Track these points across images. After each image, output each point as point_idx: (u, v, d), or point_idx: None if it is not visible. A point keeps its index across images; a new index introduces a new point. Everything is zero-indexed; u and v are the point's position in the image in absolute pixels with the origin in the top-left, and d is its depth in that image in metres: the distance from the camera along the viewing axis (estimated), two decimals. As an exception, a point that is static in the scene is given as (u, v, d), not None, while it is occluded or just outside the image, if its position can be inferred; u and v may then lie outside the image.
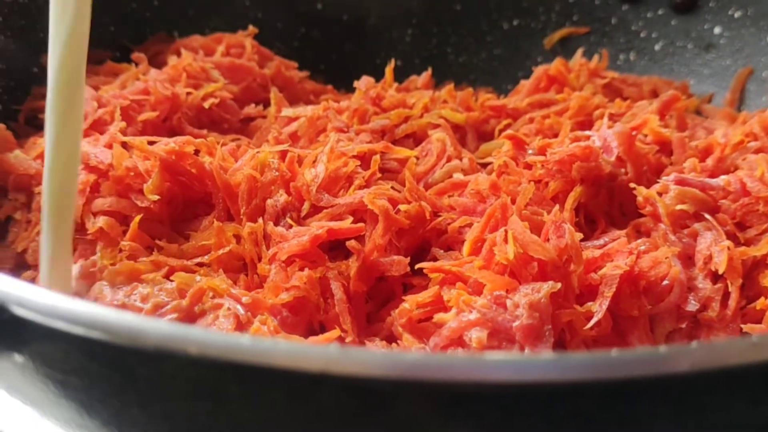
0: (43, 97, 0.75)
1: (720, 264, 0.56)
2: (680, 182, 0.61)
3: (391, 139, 0.69)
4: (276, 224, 0.59)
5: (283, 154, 0.63)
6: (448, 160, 0.66)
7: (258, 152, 0.63)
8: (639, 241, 0.59)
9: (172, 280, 0.55)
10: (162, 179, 0.60)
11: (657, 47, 0.90)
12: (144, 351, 0.37)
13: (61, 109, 0.48)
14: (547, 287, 0.51)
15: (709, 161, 0.64)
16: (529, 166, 0.64)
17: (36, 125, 0.74)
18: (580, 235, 0.55)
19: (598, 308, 0.53)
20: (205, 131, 0.71)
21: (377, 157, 0.63)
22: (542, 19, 0.94)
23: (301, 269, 0.56)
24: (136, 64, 0.78)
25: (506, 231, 0.54)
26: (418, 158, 0.67)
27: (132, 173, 0.60)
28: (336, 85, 0.87)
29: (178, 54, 0.79)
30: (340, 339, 0.54)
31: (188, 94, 0.72)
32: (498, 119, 0.74)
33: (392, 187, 0.62)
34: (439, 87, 0.85)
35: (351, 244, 0.57)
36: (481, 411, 0.37)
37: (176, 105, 0.71)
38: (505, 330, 0.51)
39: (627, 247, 0.57)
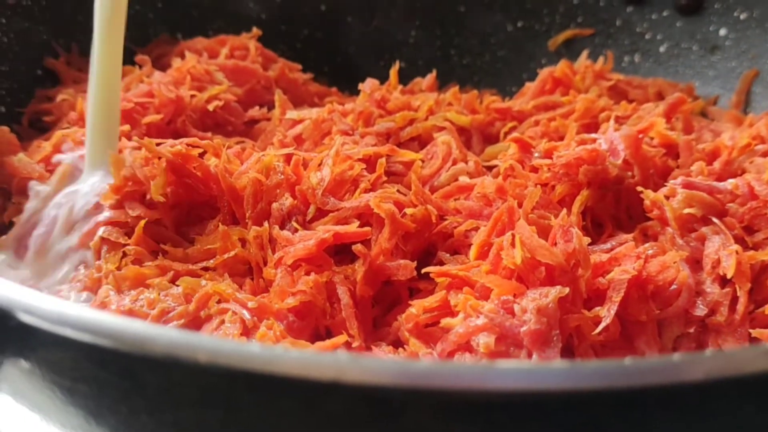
0: (48, 99, 0.75)
1: (728, 268, 0.56)
2: (688, 186, 0.61)
3: (396, 142, 0.68)
4: (281, 228, 0.59)
5: (288, 157, 0.63)
6: (454, 163, 0.66)
7: (263, 155, 0.63)
8: (647, 245, 0.59)
9: (177, 285, 0.55)
10: (168, 180, 0.59)
11: (662, 49, 0.90)
12: (153, 358, 0.37)
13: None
14: (554, 292, 0.51)
15: (717, 164, 0.64)
16: (535, 170, 0.64)
17: (39, 128, 0.73)
18: (587, 239, 0.55)
19: (607, 313, 0.53)
20: (209, 134, 0.71)
21: (383, 160, 0.63)
22: (546, 21, 0.93)
23: (307, 273, 0.56)
24: (140, 67, 0.78)
25: (513, 235, 0.54)
26: (423, 161, 0.66)
27: (131, 182, 0.60)
28: (340, 87, 0.86)
29: (182, 56, 0.78)
30: (347, 344, 0.54)
31: (192, 96, 0.72)
32: (503, 122, 0.73)
33: (398, 191, 0.61)
34: (443, 89, 0.85)
35: (357, 248, 0.57)
36: (492, 419, 0.36)
37: (180, 108, 0.70)
38: (513, 335, 0.51)
39: (635, 251, 0.57)
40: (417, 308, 0.55)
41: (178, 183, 0.60)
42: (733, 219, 0.59)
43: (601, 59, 0.83)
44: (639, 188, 0.62)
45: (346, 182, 0.61)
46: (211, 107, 0.72)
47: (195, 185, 0.61)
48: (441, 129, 0.70)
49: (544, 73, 0.80)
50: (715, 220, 0.59)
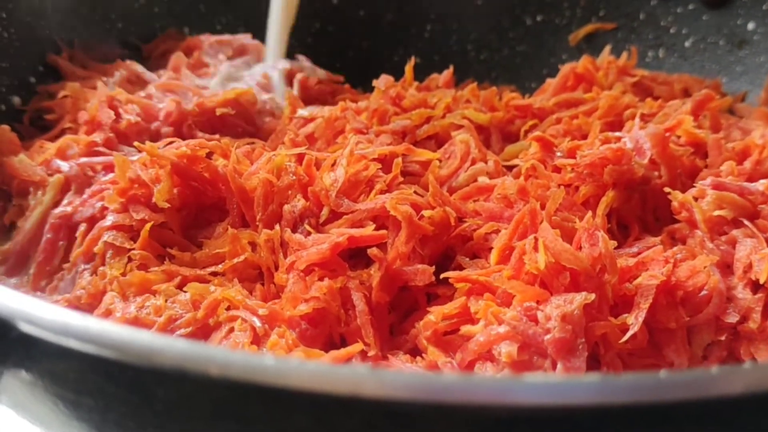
0: (49, 96, 0.73)
1: (761, 273, 0.54)
2: (717, 186, 0.59)
3: (412, 141, 0.67)
4: (293, 231, 0.57)
5: (300, 157, 0.61)
6: (473, 162, 0.64)
7: (274, 155, 0.61)
8: (675, 248, 0.57)
9: (185, 291, 0.53)
10: (172, 185, 0.58)
11: (687, 44, 0.88)
12: (161, 371, 0.36)
13: None
14: (580, 298, 0.49)
15: (747, 164, 0.62)
16: (558, 170, 0.62)
17: (41, 126, 0.72)
18: (614, 243, 0.53)
19: (634, 320, 0.51)
20: (217, 136, 0.69)
21: (399, 159, 0.61)
22: (567, 15, 0.92)
23: (321, 279, 0.54)
24: (147, 60, 0.76)
25: (536, 238, 0.53)
26: (441, 161, 0.65)
27: (136, 184, 0.58)
28: (353, 83, 0.84)
29: (186, 52, 0.76)
30: (363, 353, 0.52)
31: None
32: (523, 119, 0.72)
33: (415, 192, 0.60)
34: (459, 86, 0.83)
35: (373, 252, 0.55)
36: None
37: (182, 114, 0.68)
38: (537, 344, 0.49)
39: (663, 255, 0.55)
40: (436, 315, 0.53)
41: (185, 185, 0.59)
42: (765, 221, 0.58)
43: (624, 54, 0.82)
44: (666, 189, 0.61)
45: (361, 183, 0.59)
46: (218, 112, 0.70)
47: (203, 187, 0.59)
48: (459, 127, 0.68)
49: (565, 68, 0.78)
50: (746, 222, 0.58)
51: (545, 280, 0.52)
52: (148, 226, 0.57)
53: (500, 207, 0.59)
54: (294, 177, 0.59)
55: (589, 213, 0.56)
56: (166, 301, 0.52)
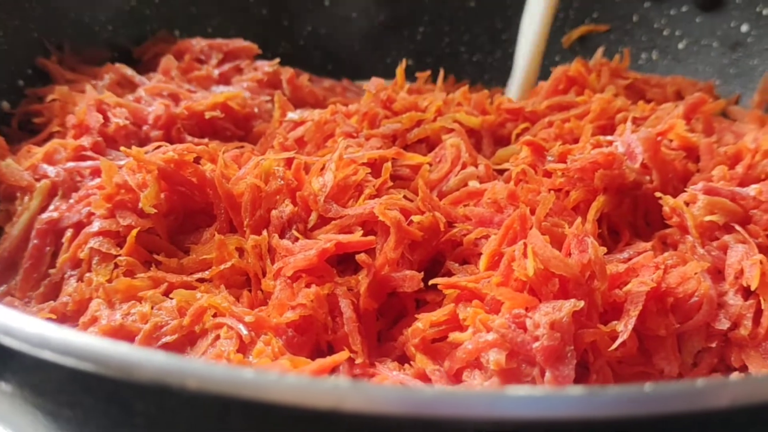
0: (38, 100, 0.73)
1: (752, 279, 0.53)
2: (709, 191, 0.59)
3: (402, 145, 0.66)
4: (281, 237, 0.57)
5: (289, 162, 0.61)
6: (463, 166, 0.64)
7: (262, 159, 0.60)
8: (666, 254, 0.57)
9: (171, 298, 0.53)
10: (159, 190, 0.57)
11: (681, 46, 0.88)
12: (140, 384, 0.35)
13: None
14: (569, 305, 0.49)
15: (739, 168, 0.62)
16: (548, 174, 0.62)
17: (29, 130, 0.71)
18: (603, 249, 0.53)
19: (623, 328, 0.51)
20: (205, 140, 0.68)
21: (388, 164, 0.61)
22: (560, 16, 0.91)
23: (308, 285, 0.54)
24: (137, 63, 0.75)
25: (525, 244, 0.52)
26: (431, 165, 0.64)
27: (123, 190, 0.57)
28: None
29: (176, 55, 0.76)
30: (350, 361, 0.52)
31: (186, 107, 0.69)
32: (515, 123, 0.71)
33: (404, 197, 0.59)
34: (452, 88, 0.82)
35: (361, 257, 0.55)
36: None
37: (171, 118, 0.68)
38: (525, 351, 0.49)
39: (653, 261, 0.55)
40: (424, 322, 0.53)
41: (172, 191, 0.58)
42: (757, 227, 0.57)
43: (617, 57, 0.81)
44: (658, 194, 0.60)
45: (350, 188, 0.59)
46: (207, 115, 0.69)
47: (190, 192, 0.59)
48: (450, 131, 0.67)
49: (557, 71, 0.78)
50: (737, 227, 0.57)
51: (534, 286, 0.51)
52: (134, 231, 0.56)
53: (490, 212, 0.59)
54: (282, 182, 0.59)
55: (579, 218, 0.55)
56: (152, 308, 0.52)
